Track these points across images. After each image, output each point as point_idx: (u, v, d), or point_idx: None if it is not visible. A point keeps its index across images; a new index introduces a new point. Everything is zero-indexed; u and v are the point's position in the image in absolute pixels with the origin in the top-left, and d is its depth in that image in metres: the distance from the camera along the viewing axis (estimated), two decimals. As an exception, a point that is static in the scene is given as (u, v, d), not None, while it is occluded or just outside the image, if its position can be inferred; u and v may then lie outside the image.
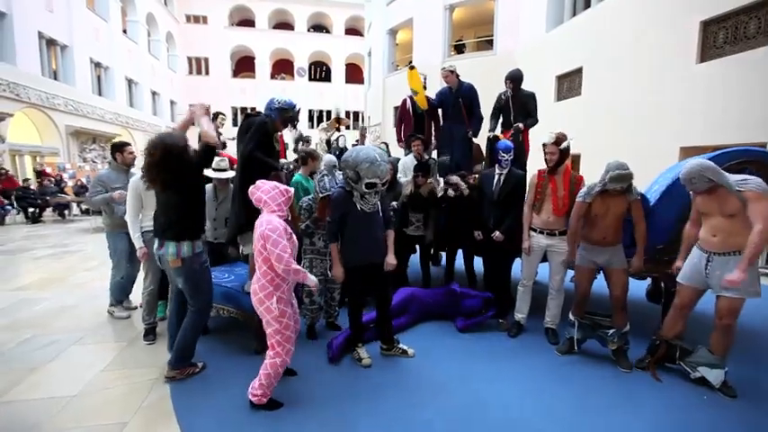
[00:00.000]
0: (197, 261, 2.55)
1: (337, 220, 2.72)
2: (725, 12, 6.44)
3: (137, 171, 3.41)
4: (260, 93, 25.83)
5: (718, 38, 6.66)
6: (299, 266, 2.18)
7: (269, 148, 3.20)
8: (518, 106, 4.39)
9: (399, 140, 5.18)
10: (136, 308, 3.81)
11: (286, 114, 3.25)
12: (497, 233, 3.37)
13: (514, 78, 4.35)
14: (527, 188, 3.33)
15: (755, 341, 3.32)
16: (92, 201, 3.62)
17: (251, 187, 2.29)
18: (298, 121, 3.67)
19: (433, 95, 4.83)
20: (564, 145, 3.08)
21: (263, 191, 2.24)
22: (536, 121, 4.42)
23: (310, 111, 26.57)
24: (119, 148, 3.69)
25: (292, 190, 2.33)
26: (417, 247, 4.31)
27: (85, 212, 11.68)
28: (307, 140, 6.67)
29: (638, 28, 7.94)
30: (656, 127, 7.58)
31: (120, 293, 3.75)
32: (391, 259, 2.83)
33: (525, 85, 4.50)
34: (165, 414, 2.28)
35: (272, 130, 3.23)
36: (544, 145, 3.14)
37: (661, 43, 7.46)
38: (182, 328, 2.62)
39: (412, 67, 4.66)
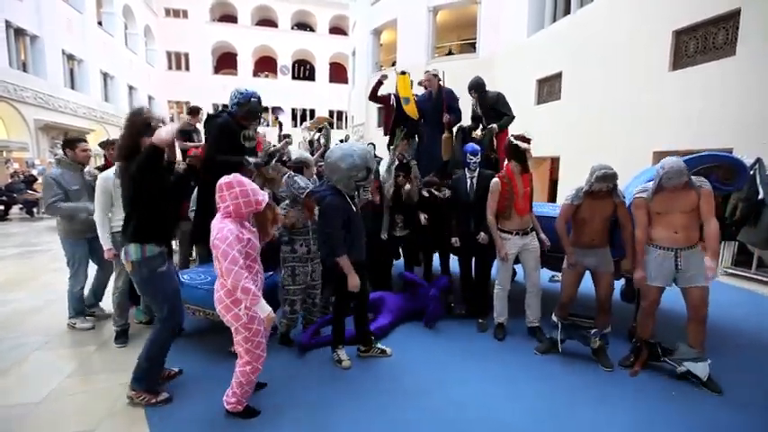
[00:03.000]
0: (147, 267, 2.25)
1: (341, 227, 2.61)
2: (696, 22, 6.71)
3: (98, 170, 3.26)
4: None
5: (690, 47, 6.93)
6: (251, 286, 1.95)
7: (235, 147, 3.08)
8: (487, 110, 4.39)
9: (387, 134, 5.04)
10: (109, 316, 3.50)
11: (244, 108, 3.10)
12: (482, 234, 3.39)
13: (477, 87, 4.35)
14: (489, 195, 3.28)
15: (726, 339, 3.46)
16: (58, 208, 3.14)
17: (223, 179, 2.08)
18: (260, 112, 3.42)
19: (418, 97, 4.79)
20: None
21: (227, 185, 2.05)
22: (511, 119, 4.40)
23: (293, 109, 26.29)
24: (71, 143, 3.33)
25: (263, 202, 2.12)
26: (401, 250, 4.33)
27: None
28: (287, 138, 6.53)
29: (615, 35, 8.18)
30: (631, 131, 7.82)
31: (80, 304, 3.46)
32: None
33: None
34: (135, 421, 2.20)
35: (238, 127, 3.11)
36: (524, 141, 3.18)
37: (637, 50, 7.71)
38: (144, 344, 2.37)
39: (403, 73, 4.55)
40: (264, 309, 2.01)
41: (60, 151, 3.30)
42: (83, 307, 3.50)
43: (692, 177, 2.61)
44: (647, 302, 2.81)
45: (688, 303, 2.68)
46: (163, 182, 2.28)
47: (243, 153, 3.16)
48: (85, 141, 3.45)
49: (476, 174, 3.53)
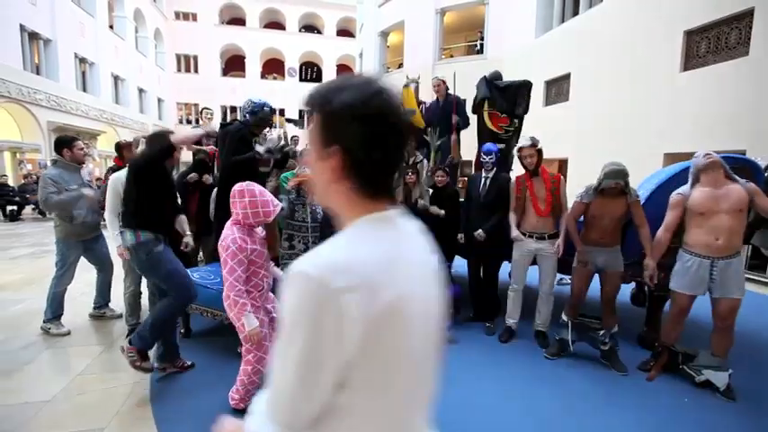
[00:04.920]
0: (142, 249, 2.40)
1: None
2: (707, 22, 6.61)
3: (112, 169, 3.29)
4: (250, 92, 25.58)
5: (701, 47, 6.84)
6: (240, 299, 2.03)
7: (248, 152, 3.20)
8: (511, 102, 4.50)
9: None
10: (120, 315, 3.58)
11: (257, 116, 3.26)
12: (480, 231, 3.36)
13: (501, 77, 4.50)
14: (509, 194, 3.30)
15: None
16: (52, 203, 3.08)
17: (237, 186, 2.17)
18: (272, 121, 3.61)
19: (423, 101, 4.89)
20: (539, 146, 3.13)
21: (239, 193, 2.12)
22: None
23: (300, 111, 26.43)
24: (68, 143, 3.25)
25: (273, 213, 2.14)
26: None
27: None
28: (293, 139, 6.61)
29: (625, 36, 8.10)
30: (641, 133, 7.73)
31: (60, 307, 3.37)
32: None
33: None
34: (143, 420, 2.21)
35: (250, 134, 3.24)
36: (520, 149, 3.14)
37: (646, 51, 7.63)
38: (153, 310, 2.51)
39: (406, 86, 4.65)
40: (251, 323, 2.05)
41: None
42: (62, 311, 3.40)
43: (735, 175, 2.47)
44: (677, 309, 2.69)
45: (715, 312, 2.55)
46: (162, 177, 2.46)
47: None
48: (80, 140, 3.47)
49: (491, 174, 3.48)
